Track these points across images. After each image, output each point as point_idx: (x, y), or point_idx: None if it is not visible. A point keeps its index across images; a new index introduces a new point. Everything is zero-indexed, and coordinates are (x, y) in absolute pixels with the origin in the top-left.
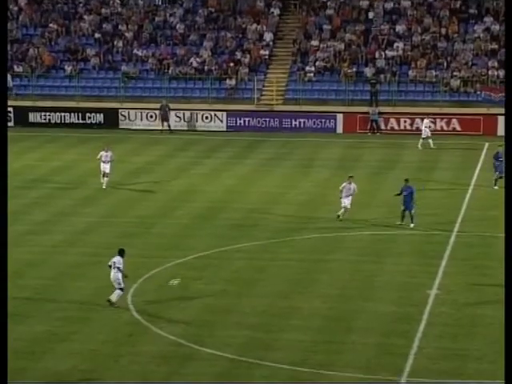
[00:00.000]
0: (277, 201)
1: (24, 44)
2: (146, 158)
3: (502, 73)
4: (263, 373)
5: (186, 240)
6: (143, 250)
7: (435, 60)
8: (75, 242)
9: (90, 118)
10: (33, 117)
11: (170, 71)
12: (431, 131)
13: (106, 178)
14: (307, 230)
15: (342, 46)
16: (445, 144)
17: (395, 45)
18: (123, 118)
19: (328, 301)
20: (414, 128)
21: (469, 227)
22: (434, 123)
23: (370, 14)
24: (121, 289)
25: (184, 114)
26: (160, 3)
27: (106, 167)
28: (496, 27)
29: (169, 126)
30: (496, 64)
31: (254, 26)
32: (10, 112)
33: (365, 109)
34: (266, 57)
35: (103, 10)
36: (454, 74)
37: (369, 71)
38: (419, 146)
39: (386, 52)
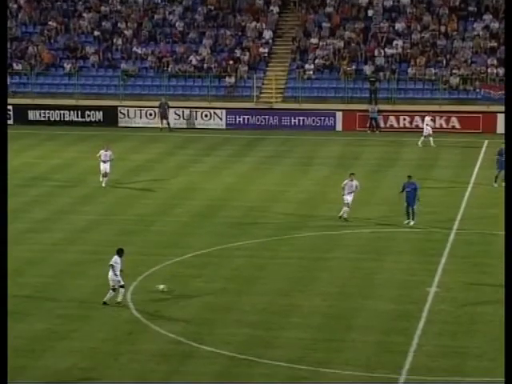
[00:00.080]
0: (276, 199)
1: (23, 42)
2: (146, 156)
3: (501, 71)
4: (263, 371)
5: (185, 238)
6: (143, 248)
7: (434, 58)
8: (75, 240)
9: (89, 115)
10: (32, 115)
11: (169, 69)
12: (431, 129)
13: (105, 178)
14: (307, 228)
15: (342, 44)
16: (444, 142)
17: (394, 43)
18: (122, 116)
19: (328, 299)
20: (413, 126)
21: (468, 225)
22: (434, 121)
23: (370, 12)
24: (121, 286)
25: (183, 111)
26: (159, 1)
27: (105, 167)
28: (495, 25)
29: (168, 123)
30: (495, 62)
31: (254, 23)
32: (9, 110)
33: (364, 107)
34: (266, 55)
35: (102, 8)
36: (454, 71)
37: (368, 69)
38: (419, 143)
39: (386, 50)
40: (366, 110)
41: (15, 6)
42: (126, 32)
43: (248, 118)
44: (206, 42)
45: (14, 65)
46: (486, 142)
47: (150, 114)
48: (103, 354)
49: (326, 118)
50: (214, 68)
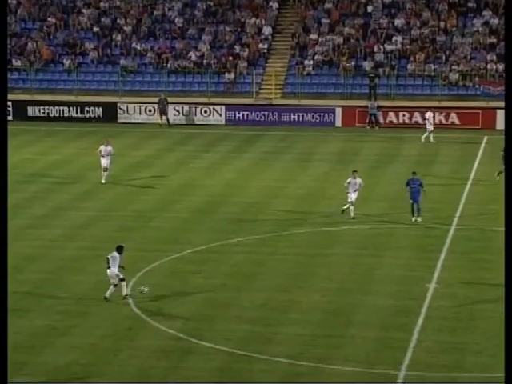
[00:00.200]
0: (276, 195)
1: (22, 38)
2: (145, 152)
3: (500, 66)
4: (262, 367)
5: (185, 234)
6: (142, 244)
7: (434, 54)
8: (74, 236)
9: (88, 111)
10: (31, 111)
11: (168, 65)
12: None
13: (105, 173)
14: (306, 224)
15: (341, 40)
16: (443, 138)
17: (394, 38)
18: (122, 112)
19: (327, 295)
20: (412, 122)
21: (468, 221)
22: (434, 117)
23: (369, 8)
24: (122, 279)
25: (183, 107)
26: None
27: (105, 162)
28: (495, 21)
29: (167, 119)
30: (495, 58)
31: (253, 19)
32: (8, 106)
33: (363, 103)
34: (265, 50)
35: (102, 4)
36: (453, 67)
37: (367, 65)
38: (422, 139)
39: (385, 46)
40: (366, 106)
41: (14, 1)
42: (125, 28)
43: (247, 114)
44: (205, 38)
45: (14, 61)
46: (486, 137)
47: (150, 110)
48: (103, 350)
49: (326, 114)
50: (213, 64)
